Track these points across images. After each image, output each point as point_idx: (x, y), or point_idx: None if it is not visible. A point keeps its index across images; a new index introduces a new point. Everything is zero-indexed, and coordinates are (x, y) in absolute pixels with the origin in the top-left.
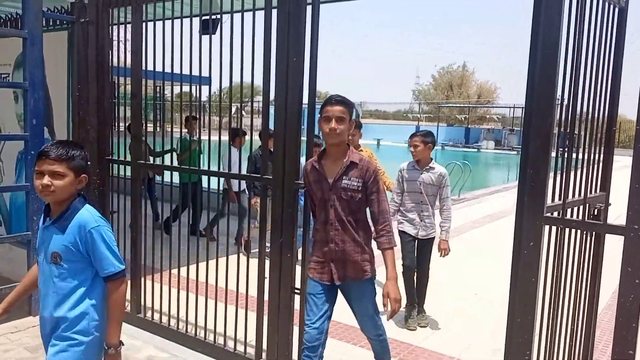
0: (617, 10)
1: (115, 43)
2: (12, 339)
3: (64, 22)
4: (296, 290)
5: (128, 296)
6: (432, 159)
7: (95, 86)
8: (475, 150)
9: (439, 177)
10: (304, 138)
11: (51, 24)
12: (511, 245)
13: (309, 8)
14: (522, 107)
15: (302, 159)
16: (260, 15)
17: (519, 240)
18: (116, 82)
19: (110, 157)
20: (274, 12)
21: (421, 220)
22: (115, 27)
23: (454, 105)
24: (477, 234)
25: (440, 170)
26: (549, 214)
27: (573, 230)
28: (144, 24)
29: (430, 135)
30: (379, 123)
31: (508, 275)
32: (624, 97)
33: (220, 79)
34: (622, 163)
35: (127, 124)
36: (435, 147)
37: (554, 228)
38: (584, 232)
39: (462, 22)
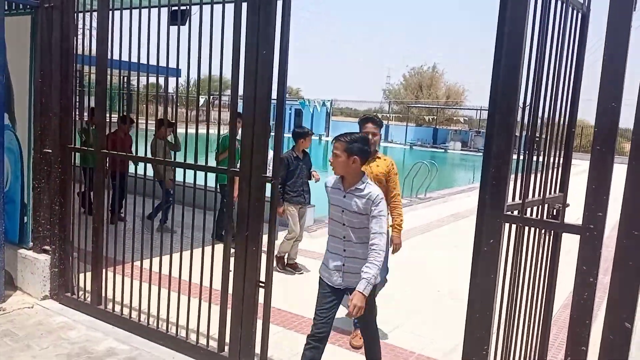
0: (580, 15)
1: (80, 30)
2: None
3: (28, 6)
4: (261, 284)
5: (88, 287)
6: (363, 173)
7: (58, 73)
8: (443, 150)
9: (367, 202)
10: (272, 133)
11: (14, 7)
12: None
13: (279, 1)
14: (487, 111)
15: (270, 153)
16: (230, 7)
17: (480, 237)
18: (81, 70)
19: (73, 146)
20: (244, 4)
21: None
22: (80, 14)
23: (423, 105)
24: (442, 232)
25: (370, 191)
26: (509, 213)
27: (532, 229)
28: (110, 12)
29: (360, 141)
30: (349, 121)
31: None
32: (586, 102)
33: (188, 71)
34: (582, 167)
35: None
36: (404, 147)
37: (513, 226)
38: (542, 231)
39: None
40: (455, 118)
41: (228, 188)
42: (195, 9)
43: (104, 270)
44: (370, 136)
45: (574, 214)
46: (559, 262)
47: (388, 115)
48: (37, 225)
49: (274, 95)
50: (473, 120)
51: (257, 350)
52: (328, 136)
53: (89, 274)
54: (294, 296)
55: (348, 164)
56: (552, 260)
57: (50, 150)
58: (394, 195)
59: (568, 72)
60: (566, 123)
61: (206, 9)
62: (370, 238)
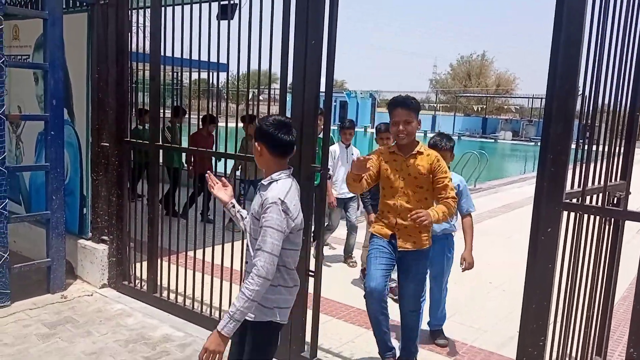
0: None
1: (134, 27)
2: (30, 315)
3: (84, 3)
4: (310, 273)
5: (145, 276)
6: (284, 166)
7: (114, 69)
8: (493, 140)
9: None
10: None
11: (71, 5)
12: (526, 236)
13: None
14: (541, 98)
15: None
16: (278, 1)
17: (537, 226)
18: (134, 67)
19: (128, 139)
20: None
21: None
22: (134, 11)
23: (472, 95)
24: (493, 224)
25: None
26: (567, 200)
27: (592, 217)
28: (162, 9)
29: (269, 125)
30: None
31: (523, 265)
32: None
33: (238, 65)
34: None
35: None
36: (452, 137)
37: (572, 215)
38: (603, 219)
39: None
40: (505, 107)
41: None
42: (244, 2)
43: (159, 260)
44: (400, 127)
45: (636, 203)
46: (620, 251)
47: (435, 105)
48: (96, 217)
49: (322, 87)
50: (524, 109)
51: (308, 338)
52: (373, 128)
53: (144, 263)
54: (341, 286)
55: (255, 153)
56: (612, 249)
57: (107, 144)
58: (445, 199)
59: (631, 56)
60: (629, 108)
61: (255, 2)
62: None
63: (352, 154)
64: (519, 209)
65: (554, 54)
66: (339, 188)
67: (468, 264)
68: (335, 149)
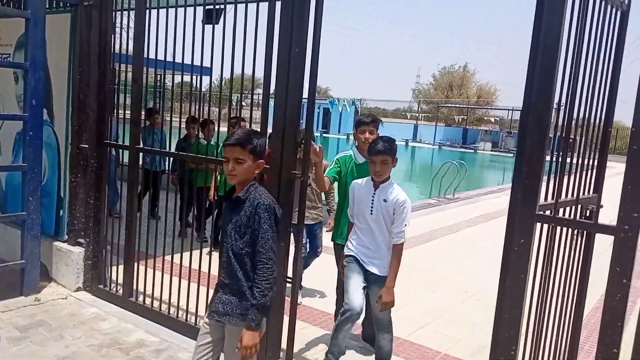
0: (619, 13)
1: (117, 29)
2: (3, 318)
3: (67, 4)
4: (288, 280)
5: (120, 280)
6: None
7: (96, 70)
8: (472, 151)
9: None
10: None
11: (54, 5)
12: (502, 245)
13: (312, 1)
14: (520, 110)
15: None
16: (263, 6)
17: (511, 237)
18: (117, 68)
19: (109, 141)
20: (278, 3)
21: None
22: (118, 13)
23: (453, 105)
24: (470, 233)
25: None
26: (541, 212)
27: (564, 229)
28: (147, 11)
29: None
30: None
31: (498, 274)
32: (621, 104)
33: (222, 69)
34: (617, 170)
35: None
36: (432, 147)
37: (545, 226)
38: (575, 231)
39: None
40: (486, 118)
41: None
42: (229, 8)
43: (135, 264)
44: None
45: (607, 216)
46: (591, 264)
47: (417, 114)
48: (73, 219)
49: (305, 93)
50: (504, 120)
51: (283, 345)
52: None
53: (121, 267)
54: (318, 292)
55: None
56: (584, 261)
57: (86, 146)
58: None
59: (605, 71)
60: (602, 123)
61: (240, 8)
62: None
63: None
64: (496, 219)
65: (531, 67)
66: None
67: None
68: None
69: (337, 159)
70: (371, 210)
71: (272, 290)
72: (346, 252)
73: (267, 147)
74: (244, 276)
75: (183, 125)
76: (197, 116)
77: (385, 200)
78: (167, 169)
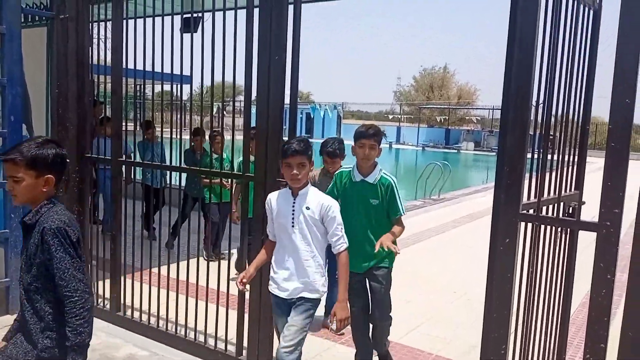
0: (591, 12)
1: (95, 40)
2: None
3: (43, 18)
4: None
5: (107, 294)
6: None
7: (75, 83)
8: (455, 151)
9: None
10: (285, 137)
11: (30, 19)
12: (488, 245)
13: (290, 7)
14: (501, 109)
15: None
16: (241, 13)
17: (496, 237)
18: (96, 80)
19: (89, 155)
20: (256, 10)
21: None
22: (95, 24)
23: (435, 106)
24: (457, 233)
25: None
26: (524, 211)
27: (548, 227)
28: (124, 21)
29: None
30: (360, 124)
31: (485, 273)
32: (600, 99)
33: (202, 77)
34: (597, 165)
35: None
36: (416, 148)
37: (529, 225)
38: (559, 229)
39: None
40: (467, 118)
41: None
42: (207, 16)
43: (122, 278)
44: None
45: (590, 212)
46: (575, 260)
47: (400, 116)
48: None
49: (287, 100)
50: (485, 119)
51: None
52: None
53: (107, 281)
54: None
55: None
56: (568, 258)
57: (67, 160)
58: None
59: (581, 68)
60: (580, 120)
61: (218, 16)
62: None
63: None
64: (482, 218)
65: (509, 66)
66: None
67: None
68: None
69: (335, 174)
70: (292, 222)
71: (88, 325)
72: (269, 289)
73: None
74: (33, 316)
75: (166, 136)
76: (181, 125)
77: (307, 208)
78: (167, 184)
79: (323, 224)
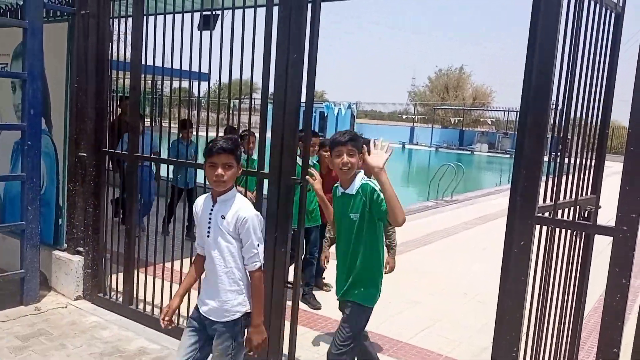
0: (613, 15)
1: (115, 36)
2: (3, 327)
3: (65, 13)
4: (289, 285)
5: (120, 288)
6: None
7: (94, 79)
8: (469, 152)
9: None
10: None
11: (51, 15)
12: (501, 246)
13: (309, 5)
14: (517, 111)
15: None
16: (260, 11)
17: (511, 239)
18: (115, 76)
19: (107, 149)
20: (275, 8)
21: None
22: (115, 20)
23: (449, 107)
24: (468, 235)
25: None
26: (540, 214)
27: (563, 231)
28: (144, 18)
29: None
30: (374, 123)
31: (497, 276)
32: (618, 102)
33: (220, 75)
34: (614, 169)
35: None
36: (429, 149)
37: (544, 228)
38: (574, 233)
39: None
40: (482, 120)
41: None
42: (226, 14)
43: (135, 272)
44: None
45: (606, 216)
46: (590, 265)
47: (414, 117)
48: (72, 227)
49: (303, 98)
50: (500, 121)
51: (285, 350)
52: None
53: (120, 275)
54: (319, 297)
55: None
56: (583, 262)
57: (85, 154)
58: None
59: (602, 71)
60: (599, 124)
61: (238, 13)
62: None
63: None
64: (494, 220)
65: (528, 69)
66: None
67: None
68: None
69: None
70: (208, 231)
71: None
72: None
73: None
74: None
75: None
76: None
77: (223, 217)
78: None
79: (240, 238)
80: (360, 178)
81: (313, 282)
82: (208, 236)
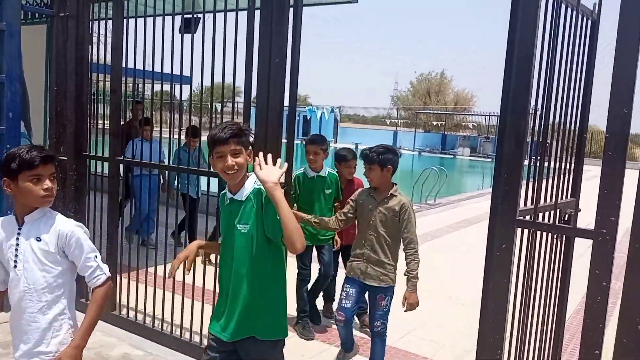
0: (589, 23)
1: (94, 39)
2: None
3: (43, 15)
4: None
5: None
6: None
7: (73, 81)
8: (451, 156)
9: None
10: (284, 140)
11: (30, 17)
12: (484, 249)
13: (291, 10)
14: (497, 116)
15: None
16: (242, 15)
17: (492, 242)
18: (94, 78)
19: (87, 153)
20: (257, 12)
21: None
22: (95, 23)
23: (432, 112)
24: (451, 238)
25: None
26: (521, 218)
27: (544, 234)
28: (124, 21)
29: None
30: (357, 127)
31: (481, 278)
32: (596, 107)
33: (202, 78)
34: (593, 173)
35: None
36: (412, 153)
37: (525, 231)
38: (555, 236)
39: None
40: (464, 124)
41: None
42: (207, 17)
43: (118, 277)
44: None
45: (585, 219)
46: (571, 267)
47: (396, 121)
48: None
49: (286, 102)
50: (482, 126)
51: None
52: (336, 142)
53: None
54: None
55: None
56: (564, 265)
57: (65, 158)
58: None
59: (579, 78)
60: (577, 128)
61: (219, 17)
62: None
63: None
64: (477, 223)
65: (507, 74)
66: None
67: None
68: None
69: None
70: (15, 262)
71: None
72: None
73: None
74: None
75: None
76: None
77: (39, 239)
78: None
79: (68, 258)
80: (253, 181)
81: (307, 308)
82: (15, 266)
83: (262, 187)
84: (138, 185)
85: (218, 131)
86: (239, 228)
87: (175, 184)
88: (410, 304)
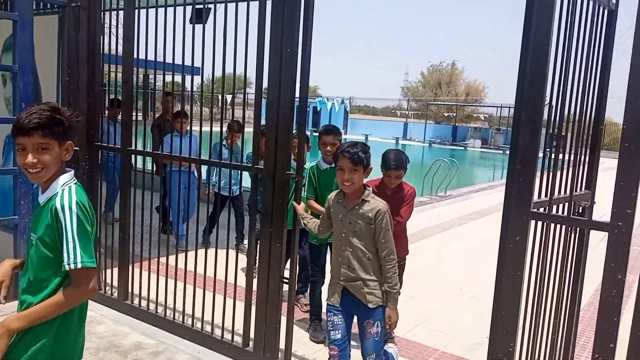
0: (606, 12)
1: (106, 29)
2: None
3: (55, 5)
4: (285, 280)
5: (115, 283)
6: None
7: (85, 71)
8: (462, 148)
9: None
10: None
11: (42, 7)
12: (495, 241)
13: (302, 0)
14: (509, 107)
15: None
16: (253, 6)
17: (506, 234)
18: (106, 69)
19: (99, 144)
20: (268, 3)
21: None
22: (107, 13)
23: (442, 103)
24: (462, 230)
25: None
26: (535, 210)
27: (558, 226)
28: (136, 11)
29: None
30: (367, 119)
31: (492, 270)
32: (612, 99)
33: (213, 69)
34: (607, 165)
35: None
36: (423, 145)
37: (539, 223)
38: (569, 228)
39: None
40: (475, 115)
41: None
42: (218, 7)
43: (130, 267)
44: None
45: (599, 211)
46: (585, 260)
47: (407, 112)
48: None
49: (297, 93)
50: (493, 117)
51: (281, 345)
52: (346, 134)
53: (115, 270)
54: None
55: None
56: (578, 257)
57: (77, 148)
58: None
59: (595, 68)
60: (593, 120)
61: (231, 7)
62: None
63: None
64: (488, 215)
65: (523, 65)
66: None
67: None
68: None
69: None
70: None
71: None
72: None
73: None
74: None
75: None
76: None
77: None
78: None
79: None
80: (62, 182)
81: (320, 311)
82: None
83: (63, 194)
84: (177, 181)
85: (24, 116)
86: (31, 238)
87: (214, 178)
88: (394, 322)
